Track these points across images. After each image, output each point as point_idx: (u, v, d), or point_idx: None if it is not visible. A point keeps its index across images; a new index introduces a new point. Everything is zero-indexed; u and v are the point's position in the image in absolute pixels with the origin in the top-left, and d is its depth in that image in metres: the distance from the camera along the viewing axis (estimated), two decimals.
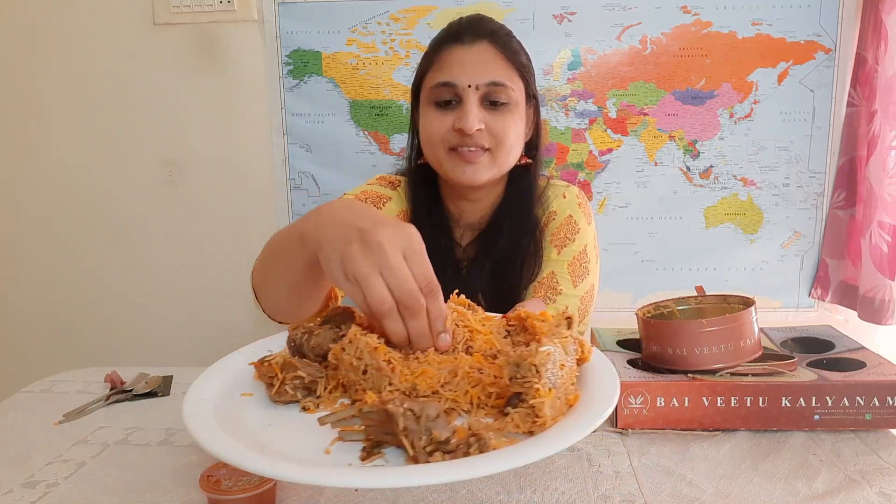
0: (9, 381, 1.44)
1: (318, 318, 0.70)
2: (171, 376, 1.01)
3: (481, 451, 0.50)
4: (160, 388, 0.96)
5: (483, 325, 0.66)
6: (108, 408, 0.91)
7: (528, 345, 0.59)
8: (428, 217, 1.04)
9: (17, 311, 1.88)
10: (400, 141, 1.70)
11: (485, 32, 0.98)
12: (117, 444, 0.80)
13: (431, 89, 0.97)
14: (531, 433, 0.53)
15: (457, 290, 0.70)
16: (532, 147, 1.06)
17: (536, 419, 0.53)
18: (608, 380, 0.60)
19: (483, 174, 0.97)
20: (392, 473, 0.48)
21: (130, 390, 0.95)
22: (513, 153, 0.99)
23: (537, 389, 0.53)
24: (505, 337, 0.66)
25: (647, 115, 1.64)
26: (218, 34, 1.69)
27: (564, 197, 1.06)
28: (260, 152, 1.74)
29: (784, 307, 1.71)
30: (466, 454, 0.50)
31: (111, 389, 0.96)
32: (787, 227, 1.68)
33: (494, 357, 0.62)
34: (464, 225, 1.07)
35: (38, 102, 1.76)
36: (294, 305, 0.76)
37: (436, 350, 0.60)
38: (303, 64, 1.67)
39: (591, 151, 1.67)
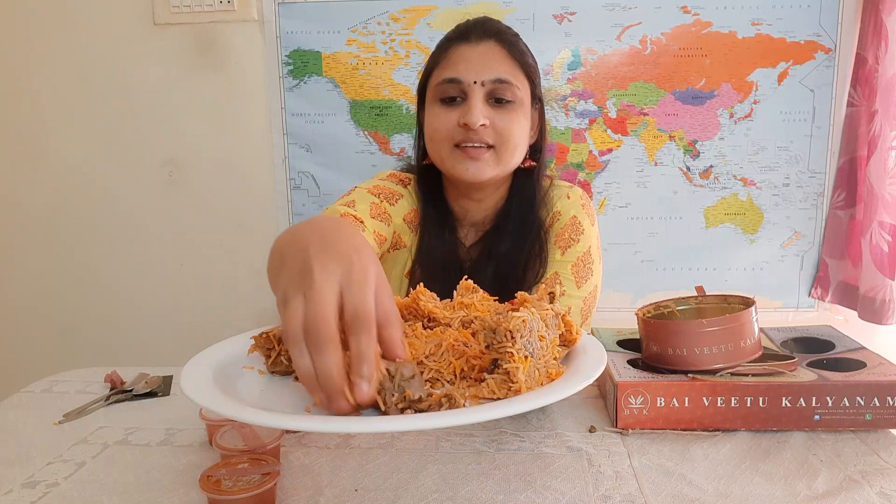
0: (9, 381, 1.44)
1: None
2: (171, 376, 1.01)
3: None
4: (160, 388, 0.96)
5: (482, 305, 0.67)
6: (108, 408, 0.91)
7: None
8: (432, 216, 1.04)
9: (17, 311, 1.88)
10: (400, 141, 1.70)
11: (492, 32, 0.98)
12: (117, 444, 0.80)
13: (437, 86, 0.97)
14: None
15: (465, 276, 0.71)
16: (536, 150, 1.06)
17: (511, 385, 0.53)
18: (594, 358, 0.60)
19: (487, 171, 0.97)
20: (344, 421, 0.49)
21: (130, 390, 0.95)
22: (517, 152, 0.99)
23: (511, 354, 0.54)
24: None
25: (647, 115, 1.64)
26: (218, 34, 1.69)
27: (569, 198, 1.06)
28: (260, 152, 1.74)
29: (784, 307, 1.71)
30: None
31: (111, 389, 0.96)
32: (787, 227, 1.68)
33: (471, 322, 0.63)
34: (467, 225, 1.07)
35: (38, 102, 1.76)
36: None
37: (354, 398, 0.48)
38: (303, 64, 1.67)
39: (591, 151, 1.67)
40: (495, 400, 0.54)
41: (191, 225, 1.79)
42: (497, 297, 0.72)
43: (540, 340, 0.57)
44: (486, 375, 0.56)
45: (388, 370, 0.51)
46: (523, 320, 0.56)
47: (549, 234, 1.04)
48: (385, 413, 0.50)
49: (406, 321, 0.68)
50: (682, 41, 1.61)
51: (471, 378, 0.59)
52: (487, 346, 0.56)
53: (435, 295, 0.71)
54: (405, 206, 1.05)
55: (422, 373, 0.58)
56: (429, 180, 1.06)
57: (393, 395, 0.50)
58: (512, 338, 0.55)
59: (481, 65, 0.95)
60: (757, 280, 1.69)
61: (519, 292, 0.68)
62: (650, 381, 0.79)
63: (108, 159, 1.78)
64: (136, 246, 1.81)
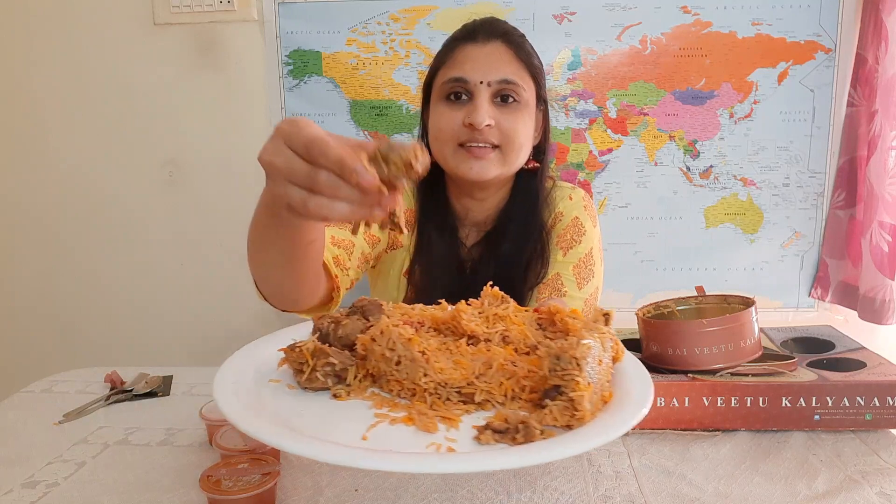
0: (9, 381, 1.44)
1: (343, 309, 0.70)
2: (171, 376, 1.01)
3: (527, 440, 0.50)
4: (160, 388, 0.96)
5: (517, 317, 0.67)
6: (108, 408, 0.91)
7: (566, 338, 0.58)
8: (434, 216, 1.04)
9: (17, 311, 1.88)
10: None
11: (498, 32, 0.99)
12: (117, 444, 0.80)
13: (443, 85, 0.97)
14: (569, 427, 0.53)
15: (490, 282, 0.70)
16: (539, 151, 1.06)
17: (575, 412, 0.52)
18: (640, 379, 0.60)
19: (491, 171, 0.97)
20: (442, 460, 0.49)
21: (130, 390, 0.95)
22: (522, 153, 0.99)
23: (577, 382, 0.53)
24: (537, 330, 0.66)
25: (647, 115, 1.64)
26: (218, 34, 1.69)
27: (571, 199, 1.06)
28: None
29: (784, 307, 1.71)
30: (514, 440, 0.50)
31: (111, 389, 0.96)
32: (787, 227, 1.68)
33: (528, 353, 0.62)
34: (469, 224, 1.07)
35: (38, 102, 1.76)
36: (293, 279, 0.74)
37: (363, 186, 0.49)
38: (303, 64, 1.67)
39: (591, 151, 1.67)
40: (558, 428, 0.53)
41: (191, 225, 1.79)
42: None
43: (599, 364, 0.56)
44: (547, 402, 0.54)
45: (370, 155, 0.51)
46: (589, 347, 0.54)
47: (550, 235, 1.04)
48: (390, 184, 0.50)
49: (445, 336, 0.66)
50: (682, 41, 1.61)
51: (521, 399, 0.58)
52: (550, 371, 0.55)
53: (475, 311, 0.68)
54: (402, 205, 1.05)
55: (472, 394, 0.58)
56: (431, 179, 1.06)
57: (384, 167, 0.50)
58: (578, 366, 0.53)
59: (488, 65, 0.95)
60: (757, 280, 1.69)
61: (550, 303, 0.67)
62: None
63: (108, 159, 1.77)
64: (136, 246, 1.81)
